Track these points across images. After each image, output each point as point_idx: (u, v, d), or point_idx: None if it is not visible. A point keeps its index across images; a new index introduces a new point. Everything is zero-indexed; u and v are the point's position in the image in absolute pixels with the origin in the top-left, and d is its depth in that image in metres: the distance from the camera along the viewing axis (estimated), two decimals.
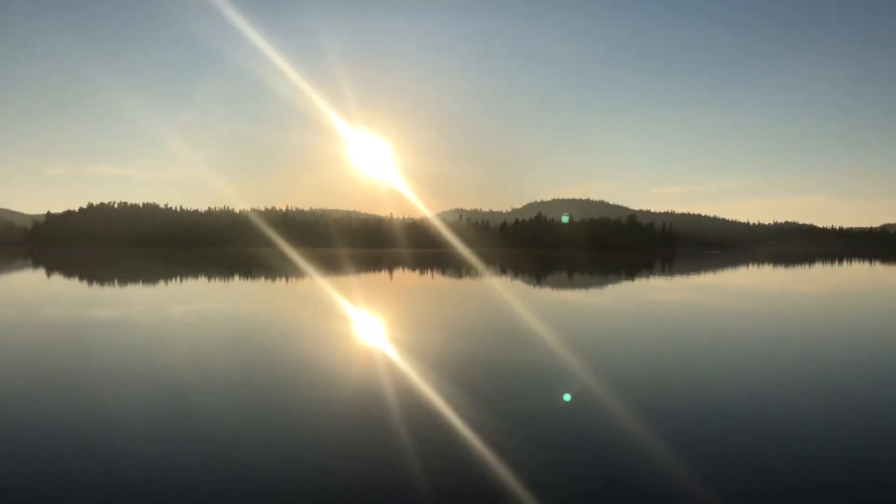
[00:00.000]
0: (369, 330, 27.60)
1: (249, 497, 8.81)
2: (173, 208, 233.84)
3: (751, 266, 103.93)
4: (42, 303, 37.21)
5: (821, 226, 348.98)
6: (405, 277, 68.92)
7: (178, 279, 60.28)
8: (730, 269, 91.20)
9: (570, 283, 61.40)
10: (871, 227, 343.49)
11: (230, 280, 60.37)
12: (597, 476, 9.72)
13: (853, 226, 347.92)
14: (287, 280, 60.15)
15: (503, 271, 79.31)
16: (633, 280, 66.71)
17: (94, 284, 54.09)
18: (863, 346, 23.22)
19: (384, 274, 73.77)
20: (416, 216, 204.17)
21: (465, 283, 62.17)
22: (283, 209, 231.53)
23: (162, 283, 55.68)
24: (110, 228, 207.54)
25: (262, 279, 60.68)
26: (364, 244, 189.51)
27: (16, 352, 20.50)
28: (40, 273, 69.66)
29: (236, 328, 27.07)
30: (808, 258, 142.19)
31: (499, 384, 16.00)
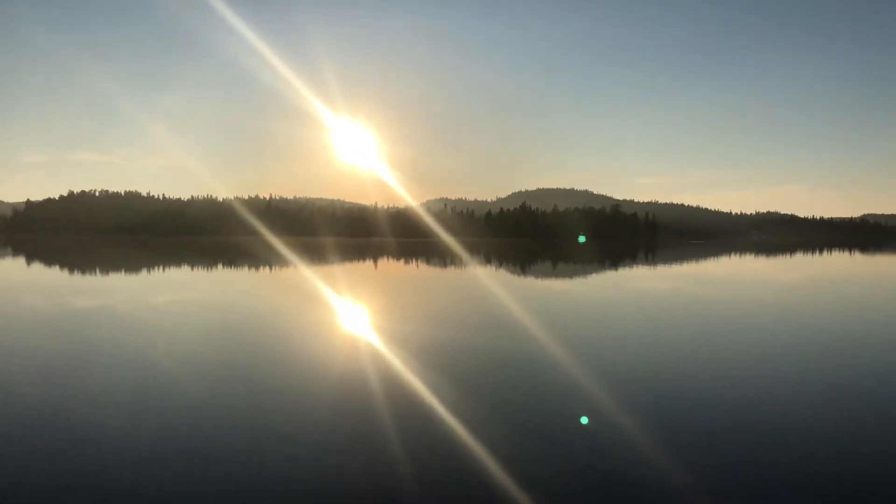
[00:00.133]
0: (354, 320, 27.55)
1: (231, 483, 8.78)
2: (155, 196, 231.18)
3: (733, 256, 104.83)
4: (22, 292, 36.74)
5: (802, 216, 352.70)
6: (390, 267, 68.82)
7: (161, 268, 59.76)
8: (712, 259, 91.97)
9: (554, 273, 61.64)
10: (852, 217, 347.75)
11: (213, 269, 59.95)
12: (583, 466, 9.79)
13: (834, 216, 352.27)
14: (271, 269, 59.84)
15: (488, 261, 79.42)
16: (616, 270, 67.09)
17: (76, 273, 53.49)
18: (841, 332, 23.58)
19: (369, 263, 73.61)
20: (401, 205, 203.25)
21: (450, 272, 62.21)
22: (267, 198, 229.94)
23: (144, 272, 55.17)
24: (91, 217, 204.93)
25: (246, 268, 60.30)
26: (348, 233, 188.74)
27: None
28: (20, 262, 68.77)
29: (219, 318, 26.91)
30: (790, 248, 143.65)
31: (483, 373, 16.03)
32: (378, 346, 19.62)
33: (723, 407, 13.10)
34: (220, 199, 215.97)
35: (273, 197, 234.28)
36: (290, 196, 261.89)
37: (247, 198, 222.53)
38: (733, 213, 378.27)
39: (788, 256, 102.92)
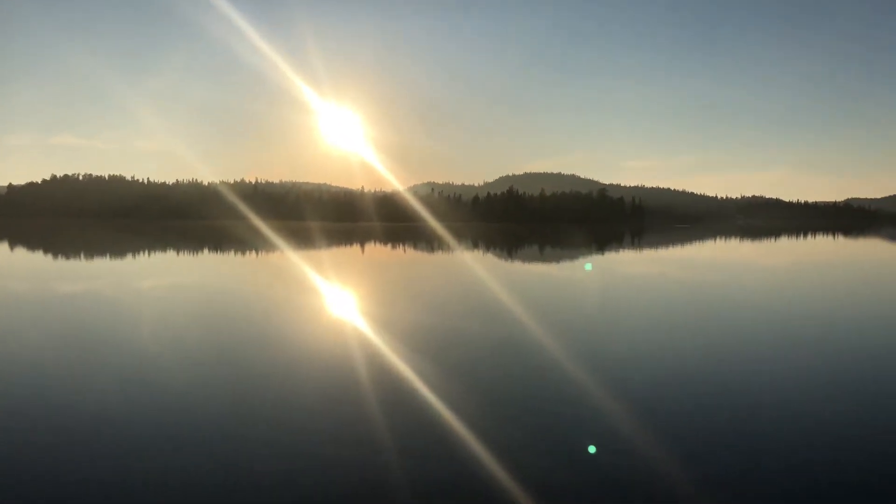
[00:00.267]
0: (340, 305, 27.53)
1: (218, 468, 8.80)
2: (140, 180, 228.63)
3: (718, 240, 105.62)
4: (4, 276, 36.37)
5: (787, 200, 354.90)
6: (377, 252, 68.72)
7: (146, 253, 59.34)
8: (697, 243, 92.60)
9: (540, 257, 61.80)
10: (836, 202, 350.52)
11: (198, 254, 59.60)
12: (570, 451, 9.90)
13: (818, 200, 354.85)
14: (257, 254, 59.54)
15: (475, 245, 79.47)
16: (602, 254, 67.39)
17: (59, 258, 53.01)
18: (825, 313, 23.85)
19: (356, 248, 73.43)
20: (388, 189, 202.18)
21: (437, 257, 62.20)
22: (253, 181, 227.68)
23: (129, 256, 54.75)
24: (75, 201, 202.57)
25: (232, 253, 59.98)
26: (335, 217, 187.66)
27: None
28: (3, 246, 68.00)
29: (205, 303, 26.81)
30: (774, 232, 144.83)
31: (469, 358, 16.11)
32: (364, 331, 19.64)
33: (712, 391, 13.23)
34: (205, 182, 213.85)
35: (259, 181, 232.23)
36: (276, 180, 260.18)
37: (233, 182, 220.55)
38: (719, 197, 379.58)
39: (773, 240, 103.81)
